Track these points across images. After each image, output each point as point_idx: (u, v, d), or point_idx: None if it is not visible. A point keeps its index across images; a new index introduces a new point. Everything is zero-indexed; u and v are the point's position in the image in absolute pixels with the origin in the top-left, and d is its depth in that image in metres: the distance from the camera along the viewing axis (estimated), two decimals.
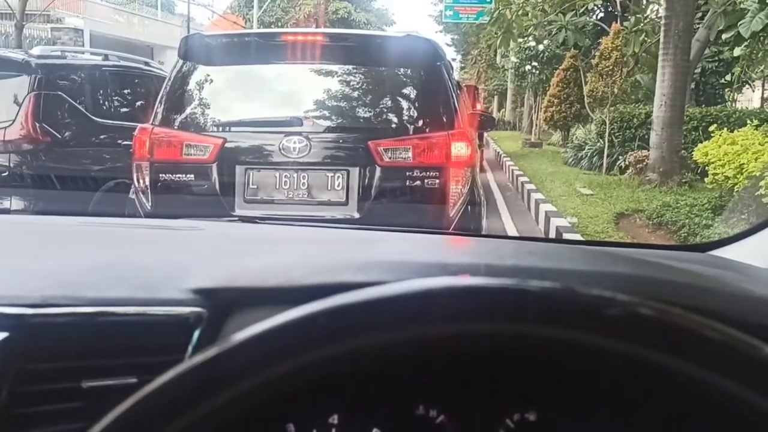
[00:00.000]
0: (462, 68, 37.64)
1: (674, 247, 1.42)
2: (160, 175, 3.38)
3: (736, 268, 0.89)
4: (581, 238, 5.48)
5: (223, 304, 0.63)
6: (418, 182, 3.30)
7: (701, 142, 7.50)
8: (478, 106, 14.14)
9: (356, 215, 3.29)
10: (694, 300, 0.55)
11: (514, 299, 0.42)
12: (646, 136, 9.57)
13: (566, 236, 5.67)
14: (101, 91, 5.13)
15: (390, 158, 3.29)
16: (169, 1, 28.03)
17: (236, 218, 3.28)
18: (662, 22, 8.89)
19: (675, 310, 0.40)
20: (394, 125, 3.57)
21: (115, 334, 0.63)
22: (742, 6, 7.91)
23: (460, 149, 3.32)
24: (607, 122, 10.94)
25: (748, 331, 0.41)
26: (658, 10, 11.72)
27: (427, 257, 0.74)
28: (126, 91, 5.47)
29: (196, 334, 0.62)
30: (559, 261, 0.72)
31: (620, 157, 10.42)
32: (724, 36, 8.82)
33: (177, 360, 0.43)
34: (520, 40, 15.79)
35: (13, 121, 4.32)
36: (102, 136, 4.92)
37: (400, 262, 0.67)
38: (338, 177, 3.31)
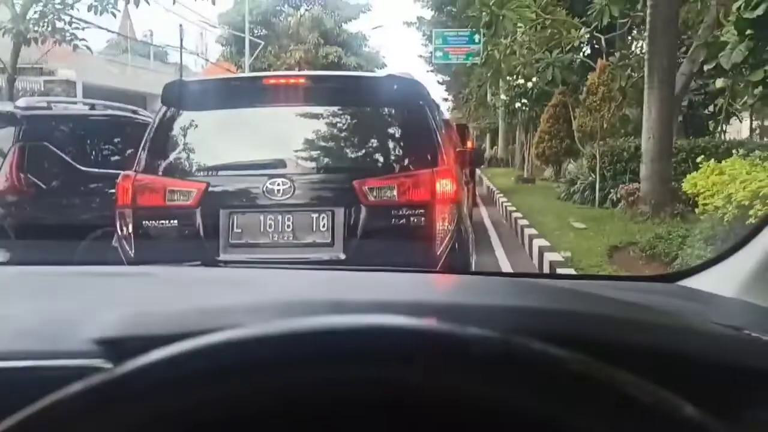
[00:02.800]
0: (453, 108, 38.05)
1: (644, 278, 1.40)
2: (143, 221, 3.36)
3: (700, 299, 0.87)
4: (565, 272, 5.43)
5: (125, 354, 0.60)
6: (403, 220, 3.28)
7: (691, 173, 7.51)
8: (469, 144, 14.22)
9: (342, 256, 3.25)
10: (641, 337, 0.52)
11: (361, 339, 0.39)
12: (637, 169, 9.62)
13: (560, 271, 5.64)
14: (88, 141, 5.15)
15: (375, 197, 3.27)
16: (161, 51, 28.40)
17: (222, 264, 3.25)
18: (646, 57, 9.02)
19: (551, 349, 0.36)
20: (378, 164, 3.57)
21: (7, 390, 0.59)
22: (722, 39, 8.02)
23: (445, 186, 3.31)
24: (598, 156, 11.01)
25: (698, 369, 0.37)
26: (642, 45, 11.92)
27: (325, 294, 0.71)
28: (116, 140, 5.49)
29: None
30: (493, 297, 0.69)
31: (612, 191, 10.46)
32: (706, 68, 8.94)
33: None
34: (509, 78, 16.03)
35: None
36: (90, 185, 4.92)
37: (293, 302, 0.64)
38: (323, 218, 3.29)
